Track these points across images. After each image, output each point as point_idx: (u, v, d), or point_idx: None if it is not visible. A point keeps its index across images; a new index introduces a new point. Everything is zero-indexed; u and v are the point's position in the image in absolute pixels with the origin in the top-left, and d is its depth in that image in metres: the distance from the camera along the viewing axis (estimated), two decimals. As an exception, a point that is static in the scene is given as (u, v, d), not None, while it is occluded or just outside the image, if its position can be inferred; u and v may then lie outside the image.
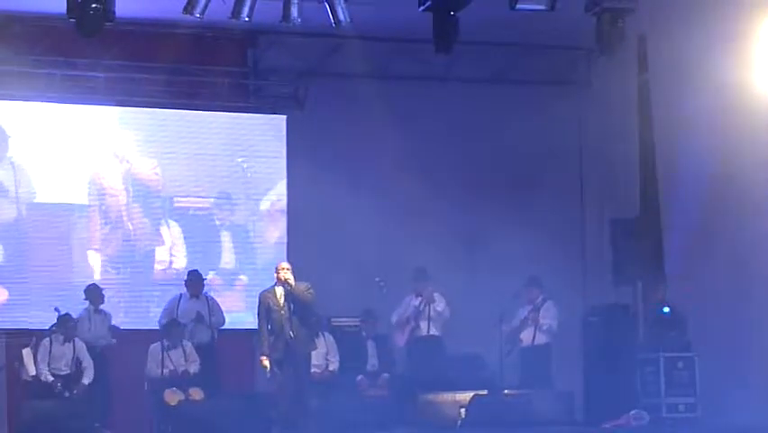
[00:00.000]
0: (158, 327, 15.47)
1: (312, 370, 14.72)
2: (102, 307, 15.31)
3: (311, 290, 13.91)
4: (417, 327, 15.58)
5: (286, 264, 14.12)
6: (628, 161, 16.49)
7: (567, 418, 14.67)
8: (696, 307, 14.88)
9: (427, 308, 15.58)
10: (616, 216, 16.45)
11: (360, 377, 15.56)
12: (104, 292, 15.33)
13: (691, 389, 14.62)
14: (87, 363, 14.69)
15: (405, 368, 15.64)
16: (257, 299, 13.86)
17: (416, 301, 15.62)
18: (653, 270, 15.65)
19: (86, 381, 14.60)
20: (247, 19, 13.77)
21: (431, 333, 15.55)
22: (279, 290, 13.86)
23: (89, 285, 15.38)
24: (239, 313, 16.12)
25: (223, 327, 15.76)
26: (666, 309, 14.89)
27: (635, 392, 14.72)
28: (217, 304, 15.79)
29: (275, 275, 13.98)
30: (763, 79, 11.48)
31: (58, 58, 15.81)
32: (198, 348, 15.22)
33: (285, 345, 13.76)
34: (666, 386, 14.60)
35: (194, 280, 15.66)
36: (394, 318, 15.77)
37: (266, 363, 13.68)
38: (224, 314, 15.79)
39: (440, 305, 15.55)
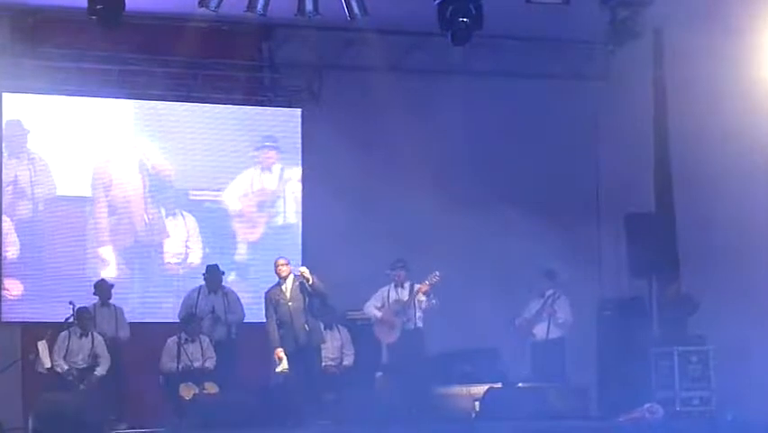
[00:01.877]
0: (170, 321, 15.51)
1: (327, 363, 14.78)
2: (112, 301, 15.32)
3: (322, 283, 14.00)
4: (409, 320, 15.19)
5: (283, 260, 14.22)
6: (644, 156, 16.46)
7: (581, 411, 14.67)
8: (710, 301, 14.86)
9: (414, 300, 15.33)
10: (631, 210, 16.42)
11: (379, 374, 15.52)
12: (111, 287, 15.32)
13: (706, 382, 14.61)
14: (104, 357, 14.73)
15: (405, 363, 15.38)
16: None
17: (401, 294, 15.36)
18: (667, 264, 15.65)
19: (99, 372, 14.64)
20: (262, 12, 13.81)
21: (418, 326, 15.30)
22: (288, 284, 13.92)
23: (98, 280, 15.41)
24: (255, 306, 16.11)
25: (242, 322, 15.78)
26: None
27: (650, 386, 14.71)
28: (237, 299, 15.75)
29: (275, 272, 14.06)
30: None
31: (74, 51, 15.84)
32: (216, 344, 15.23)
33: (295, 338, 13.81)
34: (680, 380, 14.60)
35: (212, 274, 15.62)
36: (378, 313, 15.35)
37: (281, 354, 13.75)
38: (244, 309, 15.79)
39: (434, 298, 15.28)
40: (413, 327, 15.14)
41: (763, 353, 13.75)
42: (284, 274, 14.03)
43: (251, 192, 17.13)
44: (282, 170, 17.25)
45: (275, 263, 14.23)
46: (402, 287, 15.25)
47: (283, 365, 13.89)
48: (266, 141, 17.16)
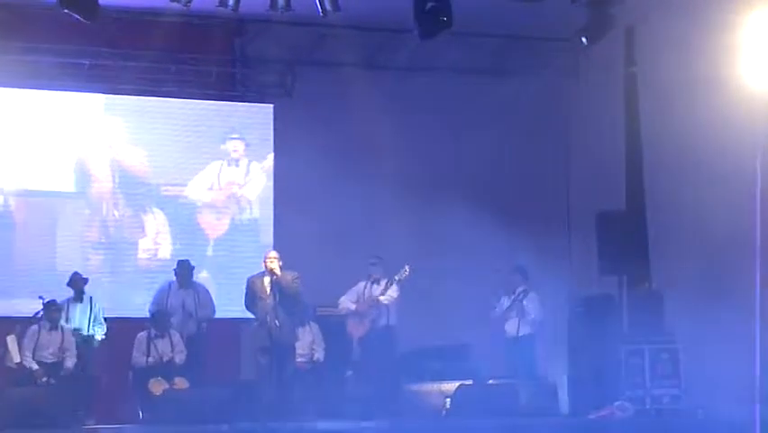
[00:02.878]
0: (141, 316, 15.46)
1: (297, 359, 14.75)
2: (89, 295, 15.26)
3: (297, 280, 13.94)
4: (381, 316, 15.23)
5: (274, 253, 14.15)
6: (615, 154, 16.49)
7: (551, 408, 14.70)
8: (680, 298, 14.91)
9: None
10: (602, 208, 16.44)
11: (349, 373, 15.53)
12: (86, 282, 15.21)
13: (676, 380, 14.64)
14: (72, 351, 14.66)
15: (373, 359, 15.39)
16: (244, 286, 13.96)
17: (375, 291, 15.37)
18: (638, 261, 15.68)
19: (67, 365, 14.57)
20: (234, 7, 13.76)
21: (390, 323, 15.32)
22: (267, 279, 13.89)
23: (72, 274, 15.33)
24: (225, 302, 16.07)
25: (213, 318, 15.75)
26: None
27: (620, 383, 14.72)
28: (208, 295, 15.74)
29: (263, 264, 14.02)
30: (750, 72, 11.48)
31: (44, 45, 15.75)
32: (186, 339, 15.19)
33: (269, 333, 13.79)
34: (651, 377, 14.63)
35: (183, 270, 15.59)
36: (352, 306, 15.40)
37: None
38: (214, 304, 15.75)
39: (394, 292, 15.32)
40: (385, 323, 15.16)
41: (732, 350, 13.78)
42: (270, 267, 13.93)
43: (219, 186, 17.09)
44: (250, 163, 17.21)
45: (267, 255, 14.13)
46: (378, 283, 15.26)
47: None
48: (232, 132, 17.11)
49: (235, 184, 17.14)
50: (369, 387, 15.10)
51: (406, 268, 15.02)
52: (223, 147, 17.10)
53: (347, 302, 15.43)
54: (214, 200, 17.06)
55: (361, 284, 15.41)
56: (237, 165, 17.17)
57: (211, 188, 17.04)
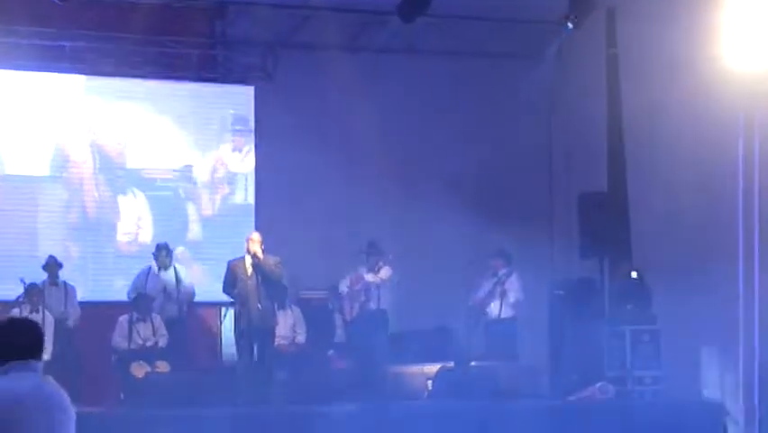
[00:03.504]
0: (122, 300, 15.40)
1: (279, 342, 14.76)
2: (63, 280, 15.20)
3: (279, 265, 13.93)
4: (368, 300, 15.40)
5: (256, 236, 14.13)
6: (597, 136, 16.49)
7: (533, 390, 14.73)
8: (661, 281, 14.93)
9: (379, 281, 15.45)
10: (584, 190, 16.45)
11: (330, 352, 15.54)
12: (60, 266, 15.14)
13: (656, 362, 14.66)
14: (49, 335, 14.57)
15: (358, 341, 15.46)
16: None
17: (369, 276, 15.48)
18: (619, 244, 15.69)
19: (47, 346, 14.51)
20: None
21: (381, 307, 15.43)
22: (249, 261, 13.87)
23: (47, 258, 15.26)
24: (206, 285, 16.04)
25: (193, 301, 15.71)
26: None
27: (601, 365, 14.74)
28: (187, 277, 15.71)
29: (245, 245, 14.00)
30: (731, 52, 11.49)
31: (24, 27, 15.66)
32: (167, 322, 15.15)
33: (249, 316, 13.78)
34: (632, 359, 14.65)
35: (162, 252, 15.53)
36: (345, 290, 15.60)
37: None
38: (194, 287, 15.72)
39: (385, 272, 15.41)
40: (376, 306, 15.21)
41: (713, 332, 13.84)
42: (253, 250, 13.92)
43: (200, 168, 17.04)
44: (231, 145, 17.17)
45: (249, 238, 14.12)
46: (373, 269, 15.34)
47: None
48: (213, 115, 17.07)
49: (216, 167, 17.07)
50: (351, 369, 15.14)
51: (389, 256, 15.21)
52: (203, 130, 17.03)
53: (343, 286, 15.55)
54: (195, 184, 17.00)
55: (360, 271, 15.55)
56: (218, 148, 17.11)
57: (192, 172, 16.98)
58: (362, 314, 15.39)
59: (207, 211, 17.05)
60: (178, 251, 16.13)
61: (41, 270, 15.08)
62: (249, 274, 13.86)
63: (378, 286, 15.31)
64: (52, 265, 15.10)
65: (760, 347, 12.62)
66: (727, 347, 13.35)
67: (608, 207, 15.95)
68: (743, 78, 11.98)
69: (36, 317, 14.56)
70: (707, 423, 13.49)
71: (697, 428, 13.36)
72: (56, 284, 15.12)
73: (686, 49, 13.81)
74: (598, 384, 14.33)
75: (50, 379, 5.47)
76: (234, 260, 14.11)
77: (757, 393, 12.68)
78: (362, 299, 15.35)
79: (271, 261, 13.91)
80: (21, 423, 5.27)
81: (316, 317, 15.75)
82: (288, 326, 15.26)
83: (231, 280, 14.04)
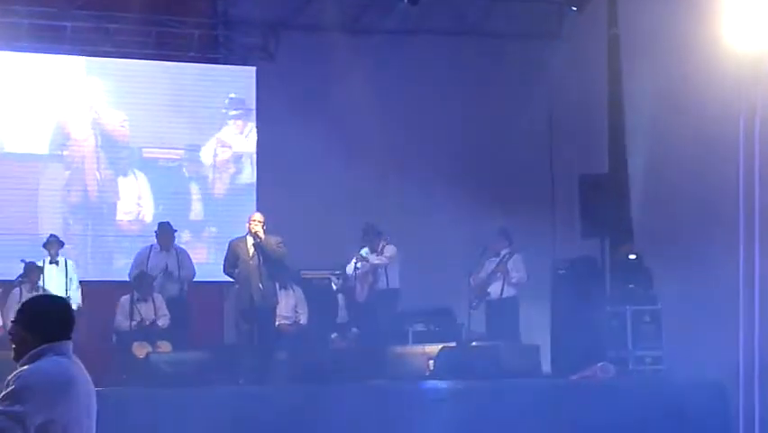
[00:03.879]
0: (123, 280, 15.41)
1: (281, 322, 14.78)
2: (65, 258, 15.20)
3: (281, 245, 13.93)
4: (376, 281, 15.42)
5: (259, 216, 14.14)
6: (598, 117, 16.49)
7: (534, 370, 14.73)
8: (661, 260, 14.94)
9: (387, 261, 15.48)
10: (584, 171, 16.44)
11: (334, 335, 15.56)
12: (62, 245, 15.12)
13: (658, 342, 14.67)
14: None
15: (366, 321, 15.52)
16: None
17: (374, 258, 15.47)
18: (620, 224, 15.69)
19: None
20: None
21: (390, 286, 15.47)
22: (250, 241, 13.89)
23: (48, 236, 15.25)
24: (208, 265, 16.07)
25: (193, 280, 15.72)
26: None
27: (602, 345, 14.75)
28: (188, 257, 15.68)
29: (247, 225, 14.01)
30: (732, 31, 11.47)
31: (25, 7, 15.65)
32: (168, 302, 15.16)
33: (250, 296, 13.79)
34: (633, 339, 14.65)
35: (164, 232, 15.49)
36: (352, 272, 15.61)
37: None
38: (195, 266, 15.73)
39: (389, 251, 15.42)
40: (385, 286, 15.23)
41: (713, 312, 13.84)
42: (254, 230, 13.93)
43: (202, 149, 17.04)
44: (234, 126, 17.17)
45: (251, 217, 14.13)
46: (376, 250, 15.36)
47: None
48: (215, 95, 17.06)
49: (217, 147, 17.08)
50: (353, 350, 15.17)
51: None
52: (205, 110, 17.03)
53: (351, 268, 15.58)
54: (197, 163, 17.01)
55: (365, 249, 15.53)
56: (219, 128, 17.12)
57: (193, 152, 16.99)
58: (371, 294, 15.40)
59: (209, 191, 17.07)
60: (180, 230, 16.15)
61: (40, 249, 15.08)
62: (250, 254, 13.87)
63: (385, 266, 15.33)
64: (53, 243, 15.10)
65: (760, 327, 12.62)
66: (728, 327, 13.34)
67: (609, 187, 15.96)
68: (744, 58, 11.95)
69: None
70: (707, 403, 13.51)
71: (697, 408, 13.37)
72: (56, 263, 15.13)
73: (687, 29, 13.78)
74: (600, 364, 14.33)
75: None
76: (235, 239, 14.12)
77: (758, 373, 12.69)
78: (370, 279, 15.38)
79: (273, 241, 13.92)
80: (75, 404, 5.26)
81: (318, 297, 15.75)
82: (289, 306, 15.27)
83: (232, 260, 14.06)
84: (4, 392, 5.15)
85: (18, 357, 5.31)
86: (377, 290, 15.37)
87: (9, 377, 5.21)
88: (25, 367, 5.22)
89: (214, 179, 17.12)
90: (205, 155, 17.03)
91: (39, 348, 5.27)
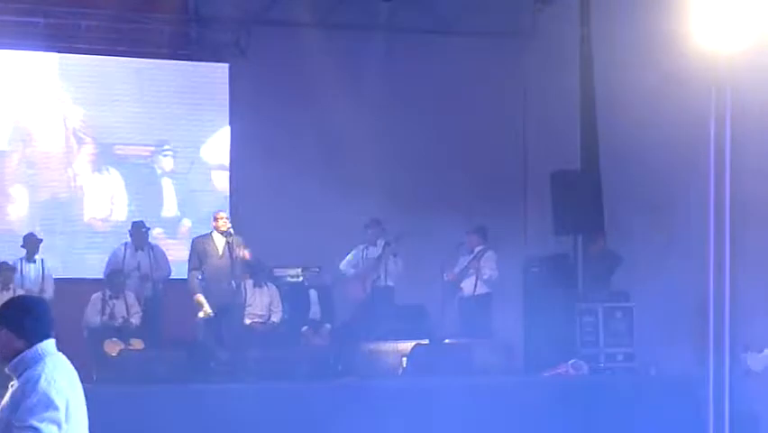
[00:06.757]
0: (95, 277, 15.37)
1: (254, 320, 14.76)
2: (42, 258, 15.16)
3: (242, 245, 13.98)
4: (379, 277, 15.46)
5: (224, 213, 14.14)
6: (570, 114, 16.52)
7: (507, 367, 14.76)
8: (634, 258, 15.00)
9: (387, 258, 15.54)
10: (557, 168, 16.48)
11: (305, 328, 15.56)
12: (40, 242, 15.10)
13: (629, 339, 14.71)
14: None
15: (362, 318, 15.53)
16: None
17: (374, 252, 15.51)
18: (592, 221, 15.72)
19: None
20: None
21: (388, 283, 15.50)
22: (218, 237, 13.87)
23: (26, 234, 15.21)
24: (182, 262, 16.03)
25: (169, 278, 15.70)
26: None
27: (574, 342, 14.78)
28: (163, 255, 15.62)
29: (213, 224, 14.00)
30: (703, 30, 11.50)
31: (-2, 3, 15.63)
32: (143, 300, 15.12)
33: (220, 294, 13.78)
34: (605, 336, 14.69)
35: (138, 231, 15.44)
36: (350, 270, 15.67)
37: (201, 299, 13.69)
38: (170, 265, 15.69)
39: (399, 261, 15.53)
40: (383, 284, 15.23)
41: (684, 308, 13.89)
42: (222, 229, 13.92)
43: (174, 146, 17.01)
44: (206, 123, 17.14)
45: (215, 216, 14.14)
46: (374, 245, 15.40)
47: (205, 309, 13.89)
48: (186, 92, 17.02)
49: (191, 145, 17.06)
50: (326, 347, 15.17)
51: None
52: (178, 107, 17.00)
53: (348, 268, 15.57)
54: (170, 159, 16.98)
55: (361, 247, 15.61)
56: (192, 125, 17.09)
57: (166, 148, 16.96)
58: (371, 292, 15.45)
59: (182, 187, 17.04)
60: (156, 231, 16.11)
61: (12, 247, 15.02)
62: (221, 253, 13.85)
63: (385, 263, 15.38)
64: (32, 241, 15.04)
65: (730, 324, 12.67)
66: (699, 323, 13.39)
67: (581, 184, 15.98)
68: (716, 56, 11.98)
69: (6, 295, 14.55)
70: (678, 400, 13.55)
71: (668, 405, 13.42)
72: (33, 261, 15.07)
73: (659, 27, 13.80)
74: (571, 361, 14.37)
75: None
76: (199, 237, 14.11)
77: (727, 368, 12.74)
78: (374, 276, 15.43)
79: (236, 240, 13.95)
80: (79, 399, 5.41)
81: (291, 294, 15.74)
82: (263, 304, 15.24)
83: (200, 258, 14.03)
84: (25, 405, 5.11)
85: (5, 359, 5.32)
86: (377, 288, 15.38)
87: (16, 384, 5.22)
88: (36, 374, 5.17)
89: (186, 175, 17.08)
90: (179, 152, 16.99)
91: (33, 351, 5.29)
